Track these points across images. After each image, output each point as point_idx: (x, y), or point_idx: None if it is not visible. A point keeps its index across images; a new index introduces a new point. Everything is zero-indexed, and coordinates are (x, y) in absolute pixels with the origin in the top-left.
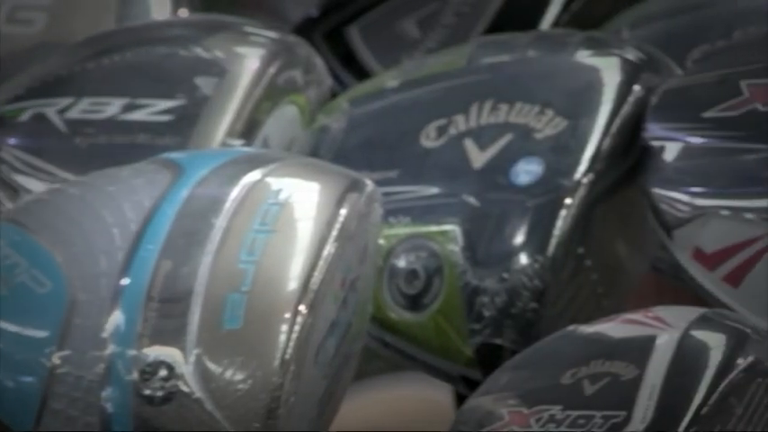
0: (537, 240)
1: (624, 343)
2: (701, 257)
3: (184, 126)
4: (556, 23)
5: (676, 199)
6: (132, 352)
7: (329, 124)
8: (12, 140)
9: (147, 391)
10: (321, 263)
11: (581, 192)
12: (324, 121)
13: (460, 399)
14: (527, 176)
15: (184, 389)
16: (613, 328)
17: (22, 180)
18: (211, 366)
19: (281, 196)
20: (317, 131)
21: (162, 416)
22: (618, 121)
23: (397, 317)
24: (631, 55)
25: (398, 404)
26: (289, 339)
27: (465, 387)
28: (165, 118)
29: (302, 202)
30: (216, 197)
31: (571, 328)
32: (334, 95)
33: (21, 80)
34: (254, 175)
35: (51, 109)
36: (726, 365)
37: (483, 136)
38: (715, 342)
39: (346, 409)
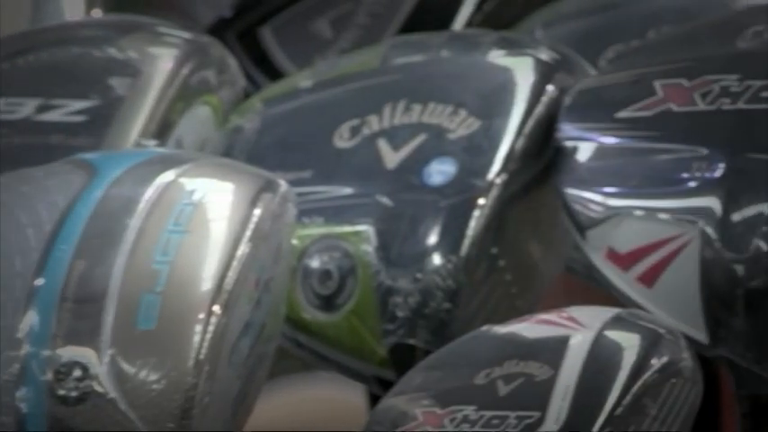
0: (450, 241)
1: (538, 343)
2: (614, 258)
3: (98, 127)
4: (469, 24)
5: (590, 199)
6: (46, 352)
7: (242, 125)
8: None
9: (62, 392)
10: (235, 263)
11: (494, 192)
12: (237, 121)
13: (374, 399)
14: (440, 177)
15: (98, 389)
16: (527, 328)
17: None
18: (125, 367)
19: (195, 197)
20: (230, 132)
21: (76, 416)
22: (531, 122)
23: (311, 317)
24: (545, 55)
25: (312, 405)
26: (203, 340)
27: (379, 387)
28: (79, 119)
29: (216, 203)
30: (130, 198)
31: (485, 328)
32: (247, 96)
33: None
34: (168, 176)
35: None
36: (640, 366)
37: (396, 136)
38: (629, 342)
39: (260, 409)
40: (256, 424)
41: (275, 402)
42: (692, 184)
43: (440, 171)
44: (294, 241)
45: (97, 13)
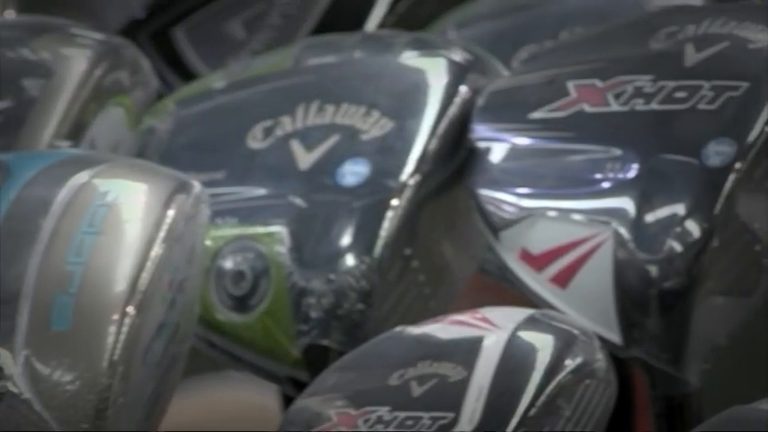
0: (363, 241)
1: (452, 344)
2: (528, 258)
3: (11, 128)
4: (382, 25)
5: (503, 200)
6: None
7: (156, 126)
8: None
9: None
10: (149, 264)
11: (407, 193)
12: (150, 122)
13: (288, 400)
14: (353, 177)
15: (13, 390)
16: (441, 329)
17: None
18: (40, 367)
19: (109, 198)
20: (143, 133)
21: None
22: (444, 123)
23: (225, 318)
24: (458, 56)
25: (225, 406)
26: (117, 340)
27: (292, 388)
28: None
29: (129, 204)
30: (44, 199)
31: (398, 329)
32: (160, 97)
33: None
34: (82, 177)
35: None
36: (553, 367)
37: (309, 137)
38: (543, 343)
39: (173, 410)
40: (170, 424)
41: (189, 403)
42: (606, 184)
43: (353, 172)
44: (207, 242)
45: (10, 15)
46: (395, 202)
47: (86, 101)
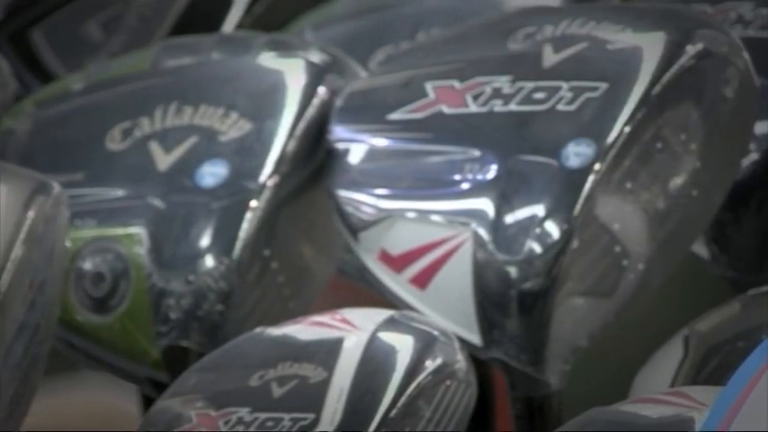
0: (222, 243)
1: (312, 345)
2: (387, 260)
3: None
4: (239, 26)
5: (362, 201)
6: None
7: (14, 127)
8: None
9: None
10: (9, 265)
11: (266, 194)
12: (9, 124)
13: (148, 401)
14: (212, 179)
15: None
16: (301, 330)
17: None
18: None
19: None
20: (2, 135)
21: None
22: (302, 124)
23: (84, 319)
24: (315, 57)
25: (84, 407)
26: None
27: (152, 389)
28: None
29: None
30: None
31: (258, 330)
32: (18, 99)
33: None
34: None
35: None
36: (414, 368)
37: (168, 138)
38: (403, 344)
39: (31, 410)
40: (28, 424)
41: (46, 404)
42: (465, 185)
43: (211, 173)
44: (67, 243)
45: None
46: (254, 203)
47: None
